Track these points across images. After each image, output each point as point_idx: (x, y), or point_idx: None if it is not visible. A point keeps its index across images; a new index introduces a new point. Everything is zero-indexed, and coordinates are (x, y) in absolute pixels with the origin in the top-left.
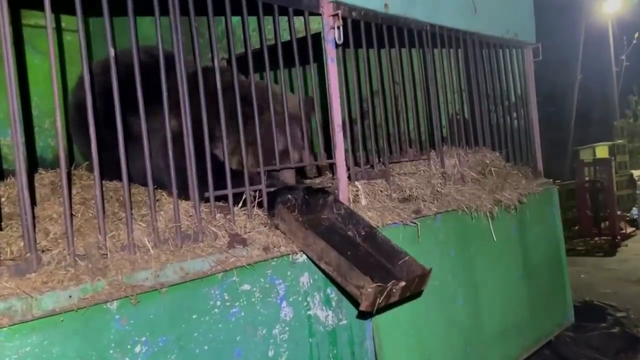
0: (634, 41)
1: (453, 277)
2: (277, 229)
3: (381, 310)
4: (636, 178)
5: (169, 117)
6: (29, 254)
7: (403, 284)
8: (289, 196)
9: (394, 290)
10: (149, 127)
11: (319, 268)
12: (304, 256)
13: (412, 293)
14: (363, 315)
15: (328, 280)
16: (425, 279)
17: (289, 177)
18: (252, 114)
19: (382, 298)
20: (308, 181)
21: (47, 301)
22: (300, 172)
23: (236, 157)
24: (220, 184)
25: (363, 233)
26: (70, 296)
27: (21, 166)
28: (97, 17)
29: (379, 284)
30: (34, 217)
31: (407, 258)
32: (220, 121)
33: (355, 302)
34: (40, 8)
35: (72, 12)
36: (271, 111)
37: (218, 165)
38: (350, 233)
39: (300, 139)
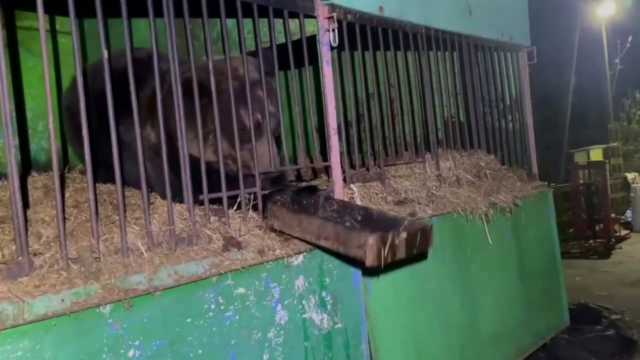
0: (628, 45)
1: (448, 279)
2: (273, 230)
3: (390, 267)
4: (630, 181)
5: (140, 124)
6: (20, 258)
7: (405, 234)
8: (278, 197)
9: (397, 243)
10: (131, 135)
11: (320, 248)
12: (299, 259)
13: (418, 252)
14: (360, 319)
15: (323, 283)
16: (427, 235)
17: (265, 152)
18: (209, 100)
19: (386, 250)
20: (304, 183)
21: (39, 305)
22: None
23: (212, 147)
24: (200, 185)
25: (359, 217)
26: (62, 300)
27: (13, 169)
28: (92, 18)
29: (380, 232)
30: (26, 220)
31: (406, 220)
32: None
33: (353, 302)
34: (35, 9)
35: (67, 14)
36: (230, 87)
37: (197, 166)
38: (347, 223)
39: (267, 105)
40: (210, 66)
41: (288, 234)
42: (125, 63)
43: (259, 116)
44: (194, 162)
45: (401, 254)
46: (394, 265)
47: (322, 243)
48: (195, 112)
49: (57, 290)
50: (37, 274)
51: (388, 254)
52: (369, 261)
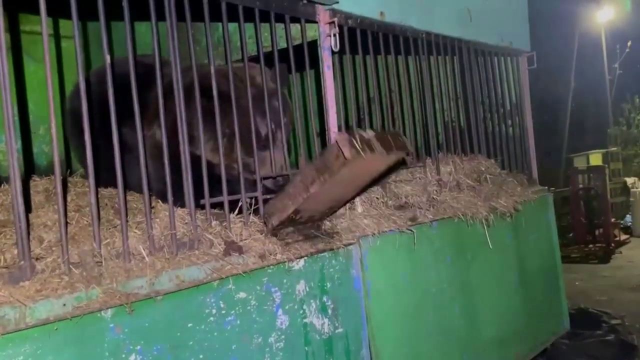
0: (627, 50)
1: (449, 284)
2: (275, 234)
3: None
4: (630, 185)
5: (149, 127)
6: (22, 262)
7: (372, 132)
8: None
9: (369, 138)
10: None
11: (311, 195)
12: (300, 263)
13: (398, 153)
14: (360, 321)
15: (324, 287)
16: (399, 138)
17: (279, 159)
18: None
19: (359, 143)
20: None
21: (41, 310)
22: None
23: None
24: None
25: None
26: (64, 304)
27: (15, 173)
28: (96, 21)
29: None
30: (28, 224)
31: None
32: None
33: (354, 307)
34: (38, 12)
35: (70, 17)
36: (249, 96)
37: (199, 169)
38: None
39: (281, 116)
40: (231, 75)
41: (287, 221)
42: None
43: (273, 125)
44: (200, 165)
45: (379, 149)
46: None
47: (312, 189)
48: (201, 117)
49: (59, 295)
50: (39, 278)
51: (364, 147)
52: (347, 153)
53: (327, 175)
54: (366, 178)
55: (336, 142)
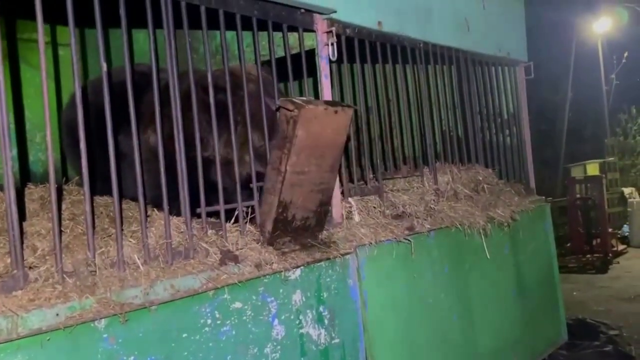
0: (624, 60)
1: (447, 294)
2: (271, 244)
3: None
4: (627, 195)
5: (145, 134)
6: (15, 271)
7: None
8: None
9: (308, 99)
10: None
11: (287, 179)
12: (297, 273)
13: (347, 115)
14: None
15: (321, 297)
16: (344, 103)
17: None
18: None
19: (300, 101)
20: None
21: (34, 319)
22: None
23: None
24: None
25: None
26: (57, 314)
27: (9, 181)
28: (92, 28)
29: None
30: (21, 232)
31: None
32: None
33: (351, 317)
34: (35, 19)
35: (67, 24)
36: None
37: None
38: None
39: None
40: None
41: (281, 224)
42: (131, 76)
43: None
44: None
45: (321, 104)
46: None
47: (282, 167)
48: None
49: (52, 304)
50: (32, 287)
51: (305, 103)
52: (291, 106)
53: (289, 145)
54: (331, 147)
55: (279, 105)
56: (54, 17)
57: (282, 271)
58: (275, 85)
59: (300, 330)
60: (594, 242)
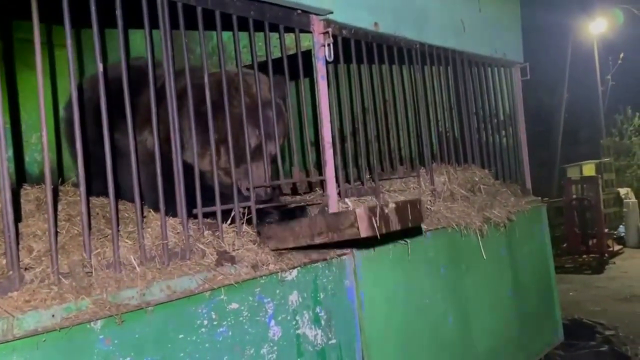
0: (620, 61)
1: (443, 295)
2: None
3: (387, 237)
4: (623, 196)
5: (141, 133)
6: (11, 272)
7: (393, 205)
8: (267, 219)
9: (387, 212)
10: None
11: (317, 247)
12: (293, 274)
13: (413, 224)
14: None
15: (317, 298)
16: (418, 206)
17: (260, 175)
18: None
19: (377, 219)
20: (298, 197)
21: (29, 321)
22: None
23: (207, 158)
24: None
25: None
26: (53, 315)
27: (5, 182)
28: (89, 28)
29: (367, 205)
30: (17, 233)
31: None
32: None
33: (347, 318)
34: (31, 19)
35: (63, 24)
36: (242, 103)
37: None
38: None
39: (273, 127)
40: (224, 82)
41: (285, 249)
42: (127, 71)
43: (263, 136)
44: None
45: (395, 224)
46: (388, 236)
47: (317, 240)
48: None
49: (48, 306)
50: (28, 288)
51: (381, 224)
52: (363, 231)
53: (336, 235)
54: None
55: (355, 213)
56: (50, 17)
57: (278, 272)
58: (273, 85)
59: (297, 331)
60: (590, 243)
